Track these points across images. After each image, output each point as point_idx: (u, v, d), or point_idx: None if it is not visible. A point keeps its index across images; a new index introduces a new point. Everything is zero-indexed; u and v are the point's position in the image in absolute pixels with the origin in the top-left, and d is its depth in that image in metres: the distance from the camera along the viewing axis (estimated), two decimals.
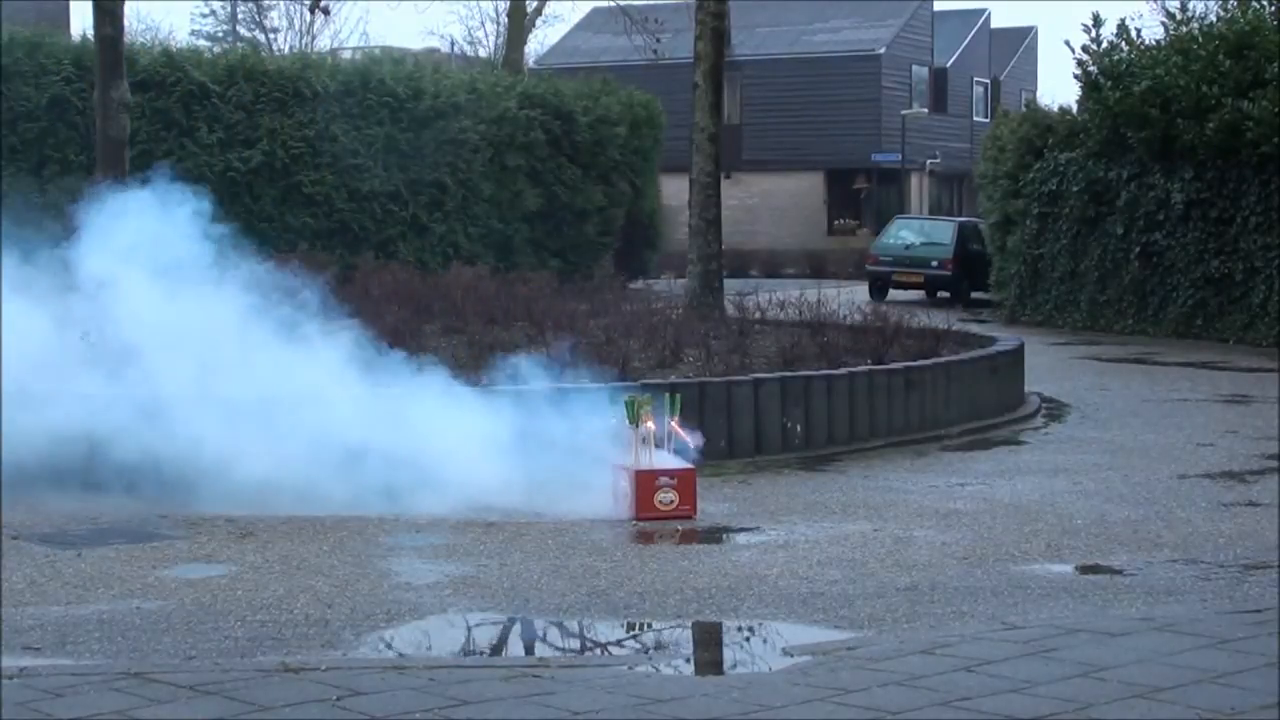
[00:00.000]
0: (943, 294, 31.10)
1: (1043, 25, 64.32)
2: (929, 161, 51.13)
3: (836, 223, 50.07)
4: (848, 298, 19.07)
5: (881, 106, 49.12)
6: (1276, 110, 21.63)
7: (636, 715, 5.60)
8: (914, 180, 50.78)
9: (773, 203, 49.35)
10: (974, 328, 18.67)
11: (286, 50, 50.90)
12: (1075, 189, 24.92)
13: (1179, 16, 24.53)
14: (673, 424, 10.08)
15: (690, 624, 7.38)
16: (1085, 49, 24.93)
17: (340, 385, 10.39)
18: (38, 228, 11.69)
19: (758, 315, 17.10)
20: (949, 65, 53.48)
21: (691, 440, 10.14)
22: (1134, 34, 24.69)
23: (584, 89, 30.74)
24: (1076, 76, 25.13)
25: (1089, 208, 24.77)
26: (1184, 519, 9.84)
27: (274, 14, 61.13)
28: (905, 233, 33.40)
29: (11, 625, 7.08)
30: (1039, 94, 52.95)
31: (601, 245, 30.25)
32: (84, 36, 24.36)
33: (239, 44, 48.59)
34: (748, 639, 7.25)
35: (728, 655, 7.11)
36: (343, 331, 11.24)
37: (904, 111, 48.43)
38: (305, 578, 8.12)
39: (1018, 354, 15.56)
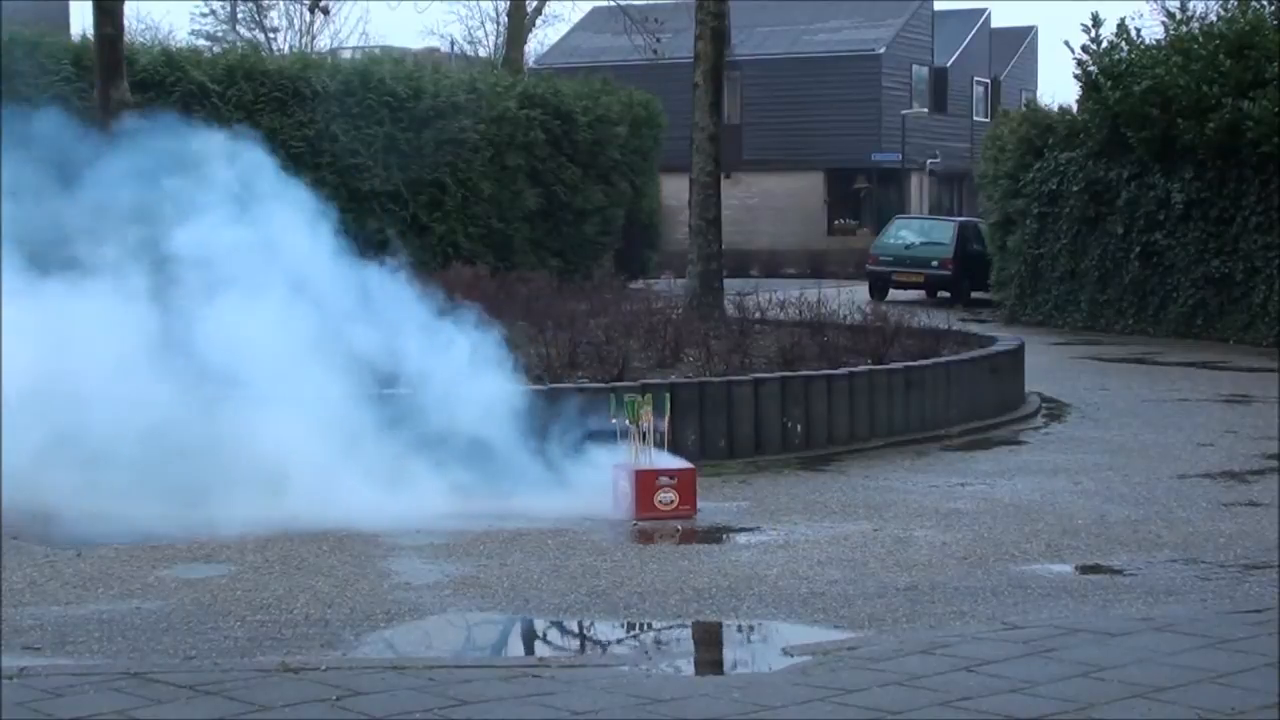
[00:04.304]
0: (943, 294, 31.08)
1: (1043, 25, 64.39)
2: (929, 161, 51.13)
3: (836, 223, 50.07)
4: (848, 298, 19.06)
5: (881, 106, 49.13)
6: (1276, 110, 21.61)
7: (636, 715, 5.60)
8: (914, 180, 50.79)
9: (773, 203, 49.33)
10: (974, 328, 18.66)
11: (286, 50, 50.82)
12: (1075, 189, 24.90)
13: (1179, 16, 24.49)
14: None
15: (690, 624, 7.37)
16: (1085, 49, 24.90)
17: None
18: None
19: (758, 315, 17.07)
20: (949, 65, 53.47)
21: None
22: (1134, 34, 24.65)
23: (584, 89, 30.73)
24: (1076, 76, 25.11)
25: (1089, 208, 24.76)
26: (1184, 519, 9.84)
27: (274, 14, 60.79)
28: (905, 233, 33.37)
29: (11, 625, 7.08)
30: (1039, 94, 53.08)
31: (601, 245, 30.25)
32: (84, 36, 24.35)
33: (239, 44, 48.52)
34: (748, 639, 7.25)
35: (728, 655, 7.11)
36: None
37: (904, 111, 48.44)
38: (305, 578, 8.12)
39: (1018, 354, 15.56)
